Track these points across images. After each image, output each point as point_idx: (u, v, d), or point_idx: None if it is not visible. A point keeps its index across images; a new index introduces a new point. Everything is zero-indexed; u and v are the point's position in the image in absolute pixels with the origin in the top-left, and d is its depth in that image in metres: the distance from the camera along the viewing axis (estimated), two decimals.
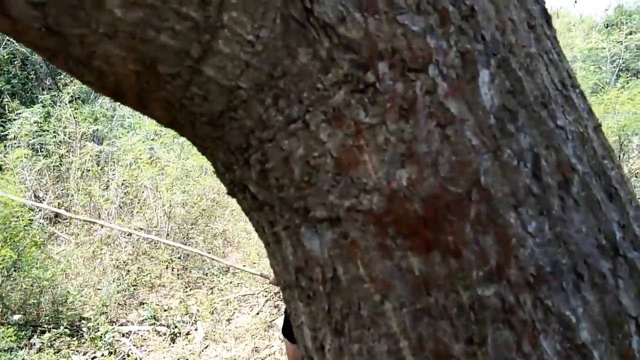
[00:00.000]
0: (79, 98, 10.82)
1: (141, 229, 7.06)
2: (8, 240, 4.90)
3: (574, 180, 0.54)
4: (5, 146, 8.81)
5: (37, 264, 5.15)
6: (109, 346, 4.37)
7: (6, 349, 3.94)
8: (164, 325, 4.90)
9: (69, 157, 8.88)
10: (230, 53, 0.50)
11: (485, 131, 0.51)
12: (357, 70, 0.50)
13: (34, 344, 4.22)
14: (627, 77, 9.18)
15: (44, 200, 8.23)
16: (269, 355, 4.35)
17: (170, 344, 4.60)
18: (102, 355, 4.20)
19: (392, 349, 0.50)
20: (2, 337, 3.98)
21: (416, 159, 0.50)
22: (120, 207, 7.91)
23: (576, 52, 12.17)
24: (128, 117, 11.06)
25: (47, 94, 10.54)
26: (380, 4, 0.49)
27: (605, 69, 11.21)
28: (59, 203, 8.31)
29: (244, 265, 6.68)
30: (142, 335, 4.72)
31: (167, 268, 6.25)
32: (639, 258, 0.54)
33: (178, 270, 6.30)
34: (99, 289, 5.43)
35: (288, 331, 3.53)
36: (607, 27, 13.44)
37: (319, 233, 0.53)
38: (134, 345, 4.47)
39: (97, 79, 0.54)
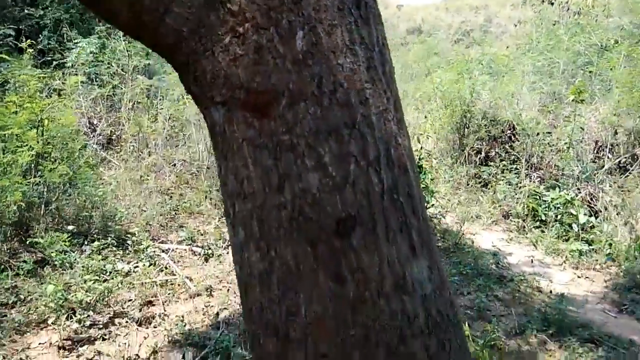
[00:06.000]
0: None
1: (184, 160, 7.53)
2: (65, 159, 5.41)
3: None
4: (63, 73, 9.25)
5: (89, 183, 5.67)
6: (149, 259, 4.88)
7: (61, 251, 4.50)
8: (199, 247, 5.38)
9: (121, 89, 9.33)
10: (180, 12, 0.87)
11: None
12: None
13: (85, 250, 4.78)
14: None
15: (97, 127, 8.77)
16: None
17: (203, 263, 5.09)
18: (144, 265, 4.72)
19: (241, 175, 0.90)
20: (58, 241, 4.54)
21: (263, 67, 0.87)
22: (167, 139, 8.37)
23: None
24: None
25: (103, 25, 10.96)
26: None
27: None
28: (111, 131, 8.87)
29: None
30: (179, 253, 5.22)
31: (205, 198, 6.72)
32: None
33: (216, 201, 6.75)
34: (144, 210, 5.95)
35: None
36: None
37: (218, 110, 0.90)
38: (172, 260, 4.97)
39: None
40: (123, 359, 3.20)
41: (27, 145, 4.82)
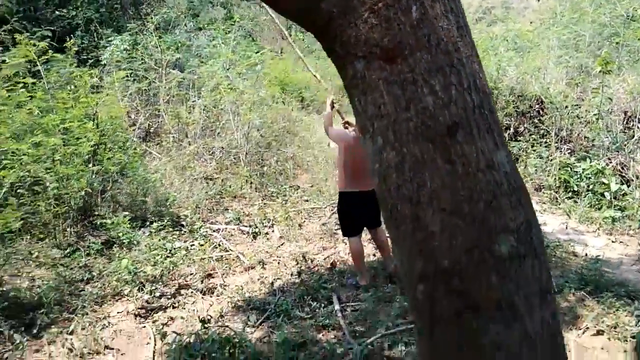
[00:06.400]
0: (159, 28, 11.53)
1: (222, 147, 7.87)
2: (118, 149, 5.81)
3: None
4: (100, 71, 9.61)
5: (139, 171, 6.06)
6: (203, 238, 5.25)
7: (125, 232, 4.89)
8: (246, 226, 5.73)
9: (156, 83, 9.70)
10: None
11: None
12: None
13: (145, 232, 5.17)
14: None
15: (136, 121, 9.16)
16: (334, 253, 5.06)
17: (252, 240, 5.43)
18: (199, 243, 5.09)
19: (378, 103, 1.27)
20: (120, 223, 4.93)
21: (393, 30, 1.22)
22: (203, 130, 8.71)
23: None
24: (204, 48, 11.70)
25: (132, 22, 11.33)
26: None
27: None
28: (148, 124, 9.26)
29: (312, 186, 7.35)
30: (229, 232, 5.58)
31: (246, 182, 7.06)
32: None
33: (256, 185, 7.10)
34: (191, 196, 6.32)
35: (346, 232, 4.26)
36: None
37: (359, 62, 1.26)
38: (224, 239, 5.33)
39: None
40: (198, 320, 3.55)
41: (85, 136, 5.21)
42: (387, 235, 4.71)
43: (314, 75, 5.18)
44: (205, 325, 3.46)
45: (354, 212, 4.22)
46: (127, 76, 9.76)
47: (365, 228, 4.38)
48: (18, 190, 4.78)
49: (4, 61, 6.96)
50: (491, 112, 1.30)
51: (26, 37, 6.46)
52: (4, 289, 4.11)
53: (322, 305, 3.90)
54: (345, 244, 5.18)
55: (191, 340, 3.26)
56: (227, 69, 9.71)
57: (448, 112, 1.23)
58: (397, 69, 1.23)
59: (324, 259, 4.91)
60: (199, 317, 3.57)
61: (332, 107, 4.41)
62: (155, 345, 3.47)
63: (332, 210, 6.35)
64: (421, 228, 1.25)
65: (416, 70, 1.23)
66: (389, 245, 4.60)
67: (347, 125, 4.41)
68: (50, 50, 6.17)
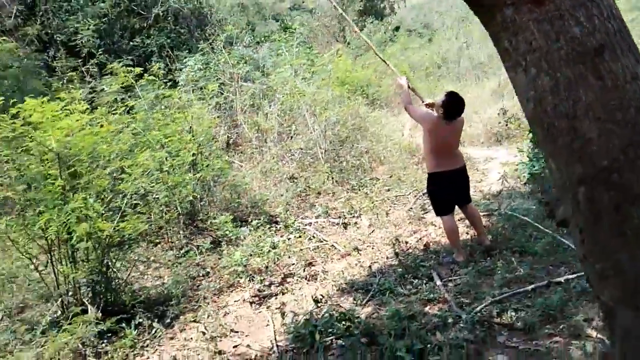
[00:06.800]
0: (224, 46, 12.17)
1: (301, 148, 8.24)
2: (215, 158, 6.33)
3: None
4: (178, 92, 10.26)
5: (229, 177, 6.54)
6: (298, 231, 5.59)
7: (230, 230, 5.34)
8: (335, 218, 6.02)
9: (230, 96, 10.26)
10: None
11: None
12: None
13: (246, 229, 5.60)
14: None
15: (217, 134, 9.73)
16: (425, 235, 5.22)
17: (343, 230, 5.71)
18: (295, 237, 5.44)
19: (529, 39, 1.51)
20: (224, 223, 5.39)
21: None
22: (279, 134, 9.13)
23: None
24: (269, 58, 12.22)
25: (199, 43, 12.04)
26: None
27: None
28: (228, 136, 9.83)
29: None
30: (320, 225, 5.90)
31: (328, 178, 7.37)
32: None
33: (337, 180, 7.40)
34: (281, 195, 6.72)
35: (438, 211, 4.43)
36: None
37: (508, 8, 1.50)
38: (317, 230, 5.65)
39: None
40: (311, 300, 3.86)
41: (185, 147, 5.72)
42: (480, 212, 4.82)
43: (383, 61, 5.38)
44: (318, 305, 3.76)
45: (444, 191, 4.38)
46: (204, 92, 10.44)
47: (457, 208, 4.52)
48: (133, 202, 5.35)
49: (102, 89, 7.78)
50: (629, 35, 1.50)
51: (112, 67, 7.17)
52: (135, 287, 4.65)
53: (424, 281, 4.08)
54: (435, 226, 5.34)
55: (308, 318, 3.56)
56: (295, 74, 10.10)
57: (594, 38, 1.43)
58: (545, 9, 1.45)
59: (416, 241, 5.09)
60: (312, 297, 3.88)
61: (408, 86, 4.57)
62: (274, 326, 3.81)
63: (416, 196, 6.51)
64: (579, 137, 1.46)
65: (562, 7, 1.44)
66: (482, 220, 4.71)
67: (428, 105, 4.57)
68: (145, 74, 6.81)
